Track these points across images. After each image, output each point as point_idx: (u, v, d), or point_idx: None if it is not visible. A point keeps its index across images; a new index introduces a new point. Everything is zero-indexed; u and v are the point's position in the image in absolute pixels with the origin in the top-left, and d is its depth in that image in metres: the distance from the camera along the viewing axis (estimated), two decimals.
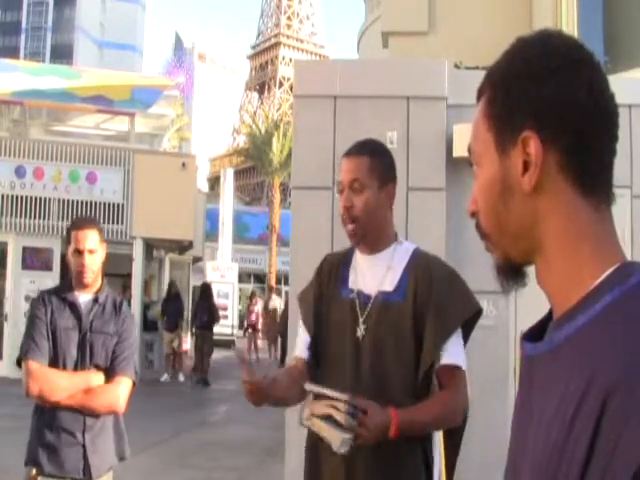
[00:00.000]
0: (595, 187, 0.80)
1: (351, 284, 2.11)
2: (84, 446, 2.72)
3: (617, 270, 0.75)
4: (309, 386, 1.91)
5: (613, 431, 0.63)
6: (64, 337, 2.74)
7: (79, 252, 2.78)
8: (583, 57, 0.82)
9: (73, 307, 2.80)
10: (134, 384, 2.85)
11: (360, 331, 2.03)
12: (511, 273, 0.86)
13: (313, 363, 2.13)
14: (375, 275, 2.07)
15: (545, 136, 0.78)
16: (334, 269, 2.18)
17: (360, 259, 2.14)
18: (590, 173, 0.80)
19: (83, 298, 2.84)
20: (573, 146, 0.79)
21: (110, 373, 2.76)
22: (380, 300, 2.04)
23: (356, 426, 1.79)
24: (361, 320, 2.04)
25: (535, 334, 0.83)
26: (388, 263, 2.07)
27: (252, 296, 21.68)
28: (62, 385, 2.67)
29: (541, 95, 0.79)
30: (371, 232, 2.07)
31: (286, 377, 2.12)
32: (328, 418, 1.81)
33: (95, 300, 2.84)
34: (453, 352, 1.99)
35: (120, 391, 2.76)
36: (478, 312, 2.08)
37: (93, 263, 2.82)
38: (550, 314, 0.82)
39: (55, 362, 2.72)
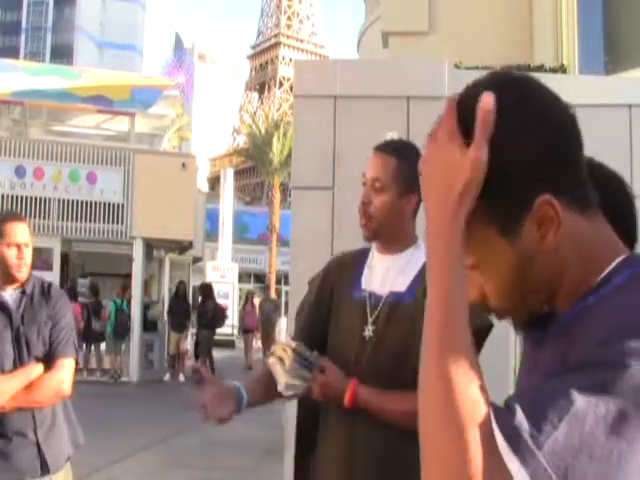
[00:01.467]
0: (588, 201, 0.82)
1: (364, 284, 2.05)
2: (38, 443, 2.65)
3: (624, 260, 0.80)
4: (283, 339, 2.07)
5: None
6: None
7: (16, 246, 2.71)
8: (539, 93, 0.82)
9: (1, 306, 2.72)
10: (77, 362, 2.80)
11: (368, 332, 1.98)
12: (536, 321, 0.86)
13: None
14: (389, 276, 2.02)
15: (554, 190, 0.78)
16: (346, 269, 2.13)
17: (377, 258, 2.08)
18: (582, 193, 0.82)
19: (10, 294, 2.75)
20: (570, 182, 0.81)
21: (50, 358, 2.68)
22: (390, 300, 1.99)
23: (308, 377, 1.89)
24: (370, 320, 1.99)
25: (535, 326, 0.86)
26: (404, 266, 2.02)
27: (248, 297, 19.38)
28: (1, 389, 2.57)
29: (536, 162, 0.78)
30: (385, 234, 2.03)
31: (261, 380, 2.11)
32: (282, 361, 1.94)
33: (22, 292, 2.75)
34: None
35: (63, 374, 2.67)
36: (489, 326, 1.87)
37: (28, 257, 2.75)
38: (549, 314, 0.85)
39: None
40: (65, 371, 2.69)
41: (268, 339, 17.56)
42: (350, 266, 2.13)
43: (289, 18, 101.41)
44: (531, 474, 0.64)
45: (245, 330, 18.22)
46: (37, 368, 2.66)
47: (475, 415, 0.69)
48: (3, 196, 14.52)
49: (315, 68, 5.38)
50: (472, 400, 0.70)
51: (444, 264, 0.77)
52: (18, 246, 2.72)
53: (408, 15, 8.95)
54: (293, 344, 1.95)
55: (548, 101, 0.82)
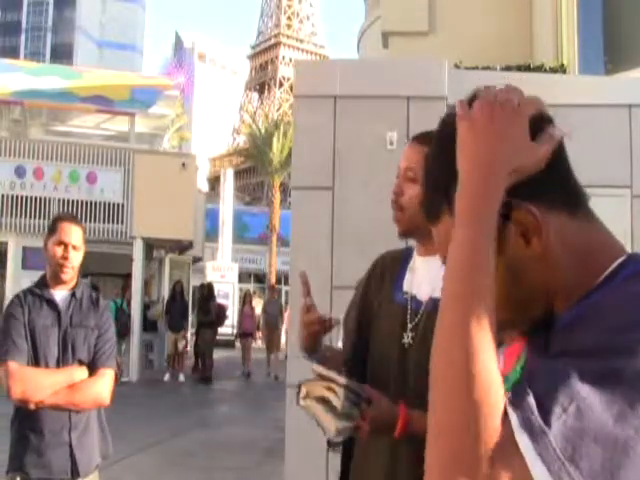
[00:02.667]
0: (578, 201, 0.83)
1: (405, 287, 1.97)
2: (70, 445, 2.67)
3: (627, 259, 0.80)
4: (316, 367, 1.75)
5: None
6: (43, 335, 2.70)
7: (64, 245, 2.74)
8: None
9: (50, 304, 2.76)
10: (117, 376, 2.85)
11: (407, 338, 1.90)
12: (540, 326, 0.85)
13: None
14: (430, 279, 1.92)
15: (533, 195, 0.79)
16: (389, 269, 2.04)
17: (418, 260, 1.99)
18: (568, 192, 0.82)
19: (60, 294, 2.79)
20: (549, 183, 0.80)
21: (93, 366, 2.72)
22: (431, 307, 1.89)
23: (356, 415, 1.66)
24: (409, 327, 1.90)
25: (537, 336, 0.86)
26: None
27: (246, 298, 17.57)
28: (45, 383, 2.61)
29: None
30: (419, 228, 1.90)
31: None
32: (325, 402, 1.67)
33: (72, 295, 2.80)
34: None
35: (105, 384, 2.72)
36: None
37: (75, 259, 2.78)
38: (549, 317, 0.85)
39: (36, 361, 2.67)
40: (107, 381, 2.74)
41: (272, 344, 15.95)
42: (393, 266, 2.04)
43: (289, 18, 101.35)
44: (540, 453, 0.65)
45: (243, 334, 16.45)
46: (82, 371, 2.71)
47: (493, 392, 0.69)
48: (3, 196, 14.53)
49: (315, 68, 5.38)
50: (491, 377, 0.70)
51: (476, 213, 0.77)
52: (66, 245, 2.75)
53: (408, 15, 8.94)
54: (343, 380, 1.68)
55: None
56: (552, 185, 0.81)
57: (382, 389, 1.85)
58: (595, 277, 0.79)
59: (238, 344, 20.23)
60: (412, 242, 2.05)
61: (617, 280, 0.77)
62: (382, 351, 1.95)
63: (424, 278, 1.94)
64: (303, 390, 1.71)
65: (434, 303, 1.87)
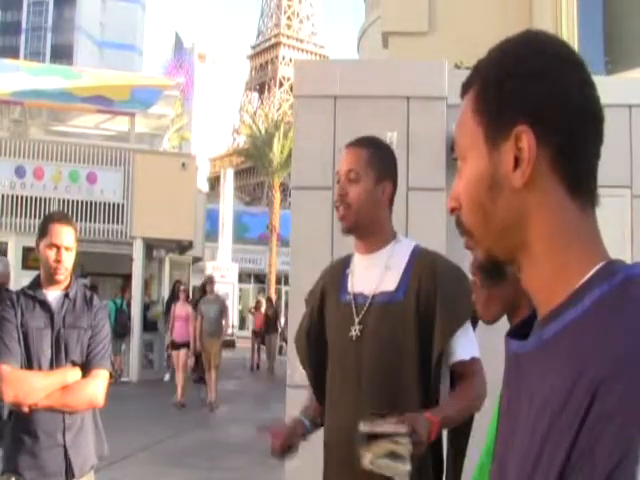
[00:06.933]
0: (582, 188, 0.80)
1: (349, 287, 2.10)
2: (65, 447, 2.65)
3: (603, 268, 0.75)
4: (365, 427, 1.75)
5: (597, 427, 0.64)
6: (36, 337, 2.67)
7: (57, 247, 2.71)
8: (573, 57, 0.82)
9: (44, 305, 2.73)
10: (111, 376, 2.83)
11: (355, 332, 2.03)
12: (492, 270, 0.85)
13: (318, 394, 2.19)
14: (373, 275, 2.05)
15: (539, 132, 0.78)
16: (334, 277, 2.18)
17: (358, 260, 2.12)
18: (578, 173, 0.80)
19: (53, 295, 2.76)
20: (565, 145, 0.79)
21: (86, 367, 2.70)
22: (379, 300, 2.02)
23: (410, 449, 1.71)
24: (356, 321, 2.03)
25: (519, 332, 0.83)
26: (386, 262, 2.05)
27: (178, 293, 12.23)
28: (38, 386, 2.58)
29: (536, 91, 0.79)
30: (364, 224, 2.05)
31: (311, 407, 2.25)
32: (388, 454, 1.70)
33: (65, 296, 2.77)
34: (465, 346, 1.99)
35: (98, 385, 2.69)
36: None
37: (68, 260, 2.75)
38: (534, 313, 0.83)
39: (29, 363, 2.65)
40: (101, 382, 2.71)
41: (207, 358, 11.26)
42: (337, 273, 2.19)
43: (289, 18, 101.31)
44: None
45: (173, 344, 11.75)
46: (75, 372, 2.68)
47: None
48: (3, 196, 14.54)
49: (315, 68, 5.38)
50: None
51: None
52: (58, 248, 2.72)
53: (408, 15, 8.94)
54: (405, 428, 1.68)
55: (591, 86, 0.82)
56: (571, 154, 0.79)
57: (341, 379, 2.05)
58: (571, 275, 0.76)
59: (239, 344, 20.06)
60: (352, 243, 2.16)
61: (588, 299, 0.72)
62: (336, 347, 2.10)
63: (366, 275, 2.08)
64: (369, 456, 1.71)
65: (384, 296, 2.04)
